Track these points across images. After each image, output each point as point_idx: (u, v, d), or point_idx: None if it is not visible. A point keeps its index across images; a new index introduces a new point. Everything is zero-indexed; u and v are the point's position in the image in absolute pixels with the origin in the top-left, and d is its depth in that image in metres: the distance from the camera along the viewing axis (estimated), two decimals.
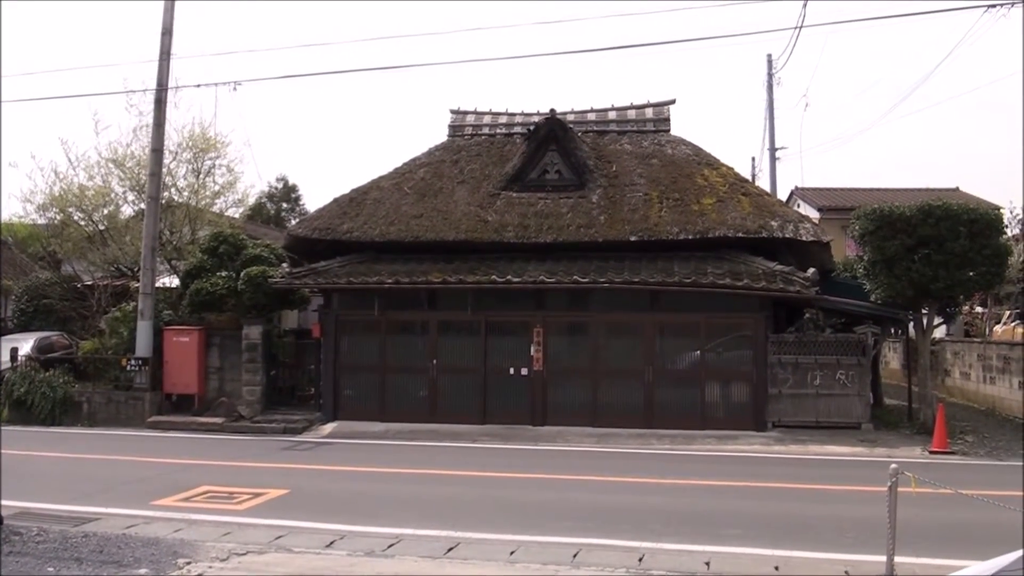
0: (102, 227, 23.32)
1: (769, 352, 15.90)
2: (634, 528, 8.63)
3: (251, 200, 29.49)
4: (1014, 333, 22.41)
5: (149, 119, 22.17)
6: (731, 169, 18.22)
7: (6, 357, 18.39)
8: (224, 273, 18.40)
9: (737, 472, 11.99)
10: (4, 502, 8.54)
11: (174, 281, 21.09)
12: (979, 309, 25.27)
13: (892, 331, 20.04)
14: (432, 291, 16.97)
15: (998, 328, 23.94)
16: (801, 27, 23.30)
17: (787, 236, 16.09)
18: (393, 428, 16.08)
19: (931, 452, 13.64)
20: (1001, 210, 16.32)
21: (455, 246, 17.18)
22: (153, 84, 18.75)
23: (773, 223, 16.28)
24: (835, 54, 76.28)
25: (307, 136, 74.55)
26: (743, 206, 16.71)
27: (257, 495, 10.21)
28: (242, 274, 17.92)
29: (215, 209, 23.89)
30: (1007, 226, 16.73)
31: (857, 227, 15.55)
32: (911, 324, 16.83)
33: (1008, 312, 24.44)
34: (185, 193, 23.16)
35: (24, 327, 21.95)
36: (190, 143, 23.09)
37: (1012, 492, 9.40)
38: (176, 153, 22.63)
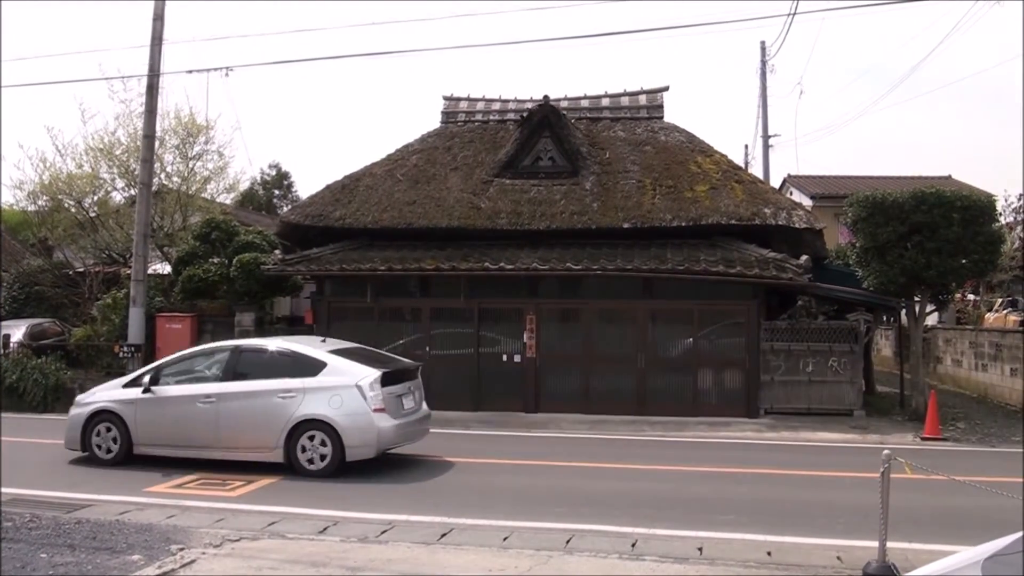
0: (92, 214, 23.23)
1: (762, 339, 15.93)
2: (627, 514, 8.64)
3: (243, 186, 29.48)
4: (1006, 320, 22.49)
5: (133, 107, 22.14)
6: (724, 156, 18.21)
7: None
8: (216, 260, 18.37)
9: (729, 458, 12.03)
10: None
11: (166, 268, 21.03)
12: (971, 296, 25.36)
13: (884, 318, 20.07)
14: (425, 278, 16.95)
15: (990, 315, 24.02)
16: (794, 14, 23.31)
17: (780, 223, 16.09)
18: None
19: (923, 439, 13.70)
20: (994, 198, 16.34)
21: (448, 233, 17.14)
22: (139, 71, 18.67)
23: (766, 210, 16.28)
24: (828, 41, 76.27)
25: (300, 123, 74.34)
26: (736, 193, 16.70)
27: (250, 481, 10.19)
28: (234, 261, 17.87)
29: (206, 195, 23.80)
30: (1000, 214, 16.75)
31: (850, 214, 15.56)
32: (903, 311, 16.87)
33: (1000, 299, 24.52)
34: (175, 179, 23.06)
35: (16, 314, 21.87)
36: (177, 128, 22.96)
37: (1005, 478, 9.45)
38: (163, 139, 22.48)
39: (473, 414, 16.06)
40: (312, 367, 10.65)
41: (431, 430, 14.62)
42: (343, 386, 10.40)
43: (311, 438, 10.33)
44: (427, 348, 16.87)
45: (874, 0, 15.12)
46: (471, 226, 17.00)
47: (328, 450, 10.28)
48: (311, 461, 10.34)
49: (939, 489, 9.19)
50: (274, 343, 11.61)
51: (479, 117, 19.96)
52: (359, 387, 10.36)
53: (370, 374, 10.51)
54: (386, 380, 10.66)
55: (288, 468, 10.40)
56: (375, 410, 10.32)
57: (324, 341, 12.02)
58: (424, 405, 11.83)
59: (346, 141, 73.11)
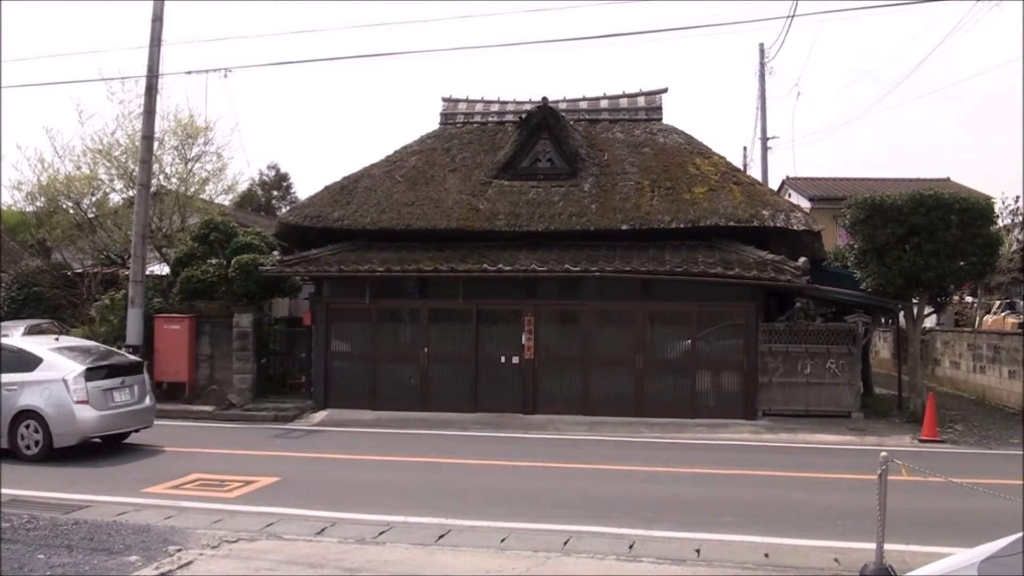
0: (91, 215, 23.22)
1: (760, 341, 15.93)
2: (625, 515, 8.66)
3: (241, 187, 29.40)
4: (1004, 323, 22.49)
5: (132, 108, 22.11)
6: (723, 158, 18.20)
7: None
8: (215, 261, 18.33)
9: (727, 460, 12.04)
10: None
11: (164, 269, 21.00)
12: (969, 299, 25.35)
13: (882, 320, 20.09)
14: (423, 279, 16.93)
15: (988, 318, 24.01)
16: (793, 15, 23.35)
17: (778, 225, 16.10)
18: (384, 416, 16.07)
19: (921, 441, 13.71)
20: (992, 200, 16.35)
21: (447, 234, 17.14)
22: (138, 72, 18.65)
23: (764, 212, 16.29)
24: (827, 43, 76.32)
25: (299, 124, 74.25)
26: (734, 195, 16.71)
27: (248, 483, 10.21)
28: (233, 262, 17.84)
29: (204, 196, 23.76)
30: (998, 216, 16.76)
31: (848, 216, 15.57)
32: (901, 313, 16.87)
33: (998, 302, 24.53)
34: (174, 180, 23.04)
35: (14, 315, 21.84)
36: (177, 129, 22.95)
37: (1002, 480, 9.46)
38: (162, 140, 22.42)
39: (471, 415, 16.04)
40: (32, 363, 11.89)
41: (428, 432, 14.73)
42: (53, 380, 11.67)
43: (27, 426, 11.61)
44: (425, 349, 16.87)
45: (874, 2, 15.13)
46: (470, 227, 17.00)
47: (40, 437, 11.55)
48: (27, 447, 11.58)
49: (936, 491, 9.19)
50: (6, 341, 12.80)
51: (478, 119, 19.95)
52: (64, 381, 11.61)
53: (75, 369, 11.73)
54: (94, 375, 11.87)
55: (11, 454, 11.48)
56: (77, 402, 11.57)
57: (57, 339, 13.36)
58: (147, 399, 13.00)
59: (345, 142, 73.09)
